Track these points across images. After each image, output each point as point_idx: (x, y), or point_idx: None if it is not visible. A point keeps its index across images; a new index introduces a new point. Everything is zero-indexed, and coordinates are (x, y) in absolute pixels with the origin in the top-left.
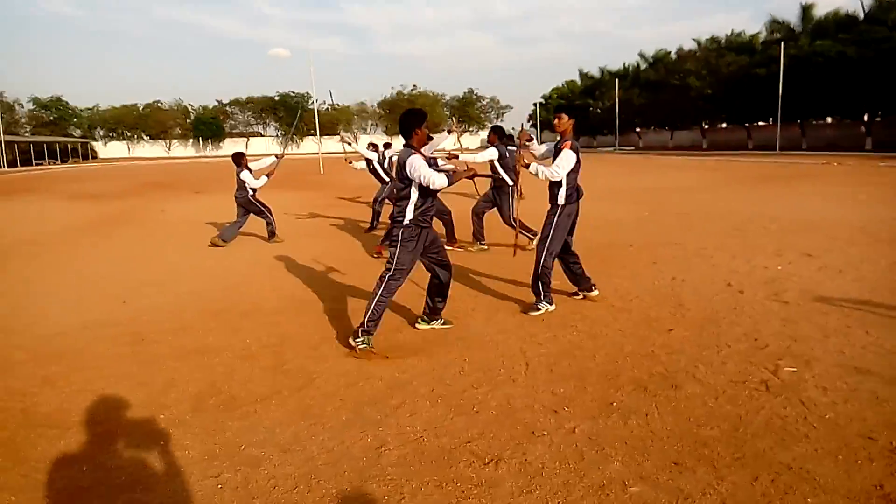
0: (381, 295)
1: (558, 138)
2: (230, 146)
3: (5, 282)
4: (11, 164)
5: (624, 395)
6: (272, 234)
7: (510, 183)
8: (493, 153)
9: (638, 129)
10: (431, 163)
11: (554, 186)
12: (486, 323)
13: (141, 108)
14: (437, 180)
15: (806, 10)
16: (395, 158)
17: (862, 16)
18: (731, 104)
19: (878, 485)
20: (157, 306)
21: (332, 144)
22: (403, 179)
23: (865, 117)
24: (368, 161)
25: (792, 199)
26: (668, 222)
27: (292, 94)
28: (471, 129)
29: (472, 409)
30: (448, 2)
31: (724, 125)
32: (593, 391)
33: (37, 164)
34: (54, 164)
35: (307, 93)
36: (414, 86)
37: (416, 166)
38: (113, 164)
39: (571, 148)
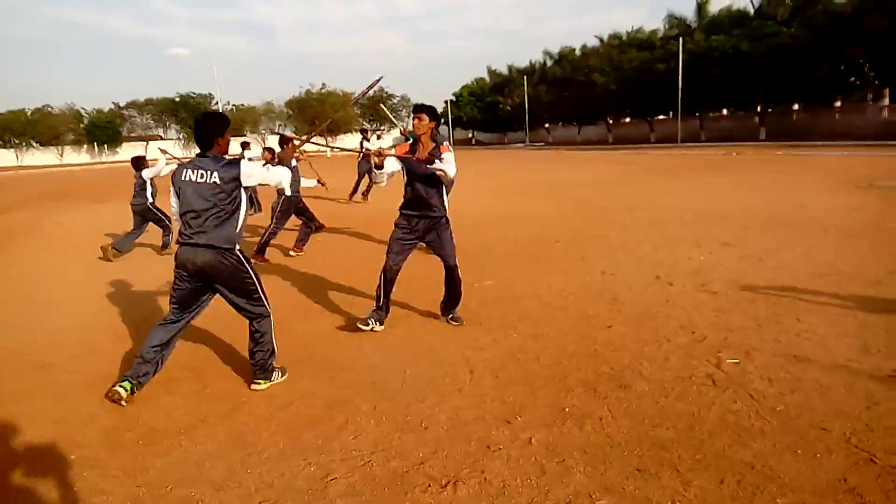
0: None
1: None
2: (128, 150)
3: None
4: None
5: (575, 398)
6: (166, 245)
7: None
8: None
9: (547, 125)
10: None
11: (438, 196)
12: (423, 329)
13: (29, 114)
14: (284, 178)
15: (701, 7)
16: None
17: (752, 11)
18: (633, 99)
19: (841, 478)
20: (62, 329)
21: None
22: (232, 192)
23: (759, 108)
24: None
25: (701, 189)
26: (588, 216)
27: (193, 95)
28: (382, 128)
29: (421, 426)
30: None
31: (627, 119)
32: (543, 396)
33: None
34: None
35: (209, 93)
36: (323, 84)
37: (255, 170)
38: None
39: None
